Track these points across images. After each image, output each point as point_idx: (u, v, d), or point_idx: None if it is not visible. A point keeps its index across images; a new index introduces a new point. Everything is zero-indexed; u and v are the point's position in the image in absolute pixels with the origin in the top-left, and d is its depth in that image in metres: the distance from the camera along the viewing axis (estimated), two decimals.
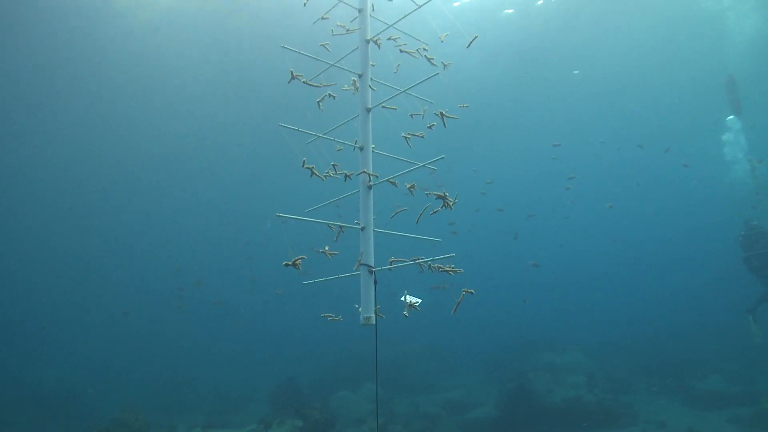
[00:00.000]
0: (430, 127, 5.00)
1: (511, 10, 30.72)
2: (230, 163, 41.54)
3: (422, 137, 5.09)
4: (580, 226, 58.93)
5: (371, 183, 4.80)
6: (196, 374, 33.37)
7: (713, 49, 35.41)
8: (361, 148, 4.94)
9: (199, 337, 45.93)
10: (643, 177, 53.35)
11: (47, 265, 46.29)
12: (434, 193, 4.33)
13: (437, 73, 4.70)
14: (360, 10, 5.25)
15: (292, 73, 4.86)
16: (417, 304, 4.54)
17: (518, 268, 51.34)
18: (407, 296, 4.48)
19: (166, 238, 47.96)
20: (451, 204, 4.33)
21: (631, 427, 20.53)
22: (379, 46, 5.21)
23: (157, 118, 34.75)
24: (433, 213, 4.50)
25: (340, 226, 4.91)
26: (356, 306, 4.68)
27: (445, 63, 5.36)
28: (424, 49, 5.19)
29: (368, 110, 5.01)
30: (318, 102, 5.31)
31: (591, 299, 56.52)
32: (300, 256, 4.22)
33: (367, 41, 5.16)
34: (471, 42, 4.97)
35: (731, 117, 36.76)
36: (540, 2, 30.38)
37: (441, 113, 4.75)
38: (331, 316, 5.02)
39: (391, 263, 4.73)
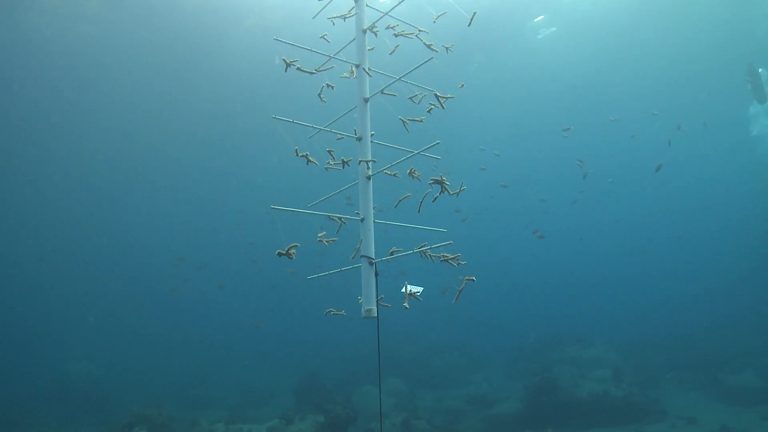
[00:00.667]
0: (429, 111, 4.89)
1: None
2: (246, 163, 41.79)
3: (422, 122, 4.98)
4: (606, 218, 57.89)
5: (370, 173, 4.68)
6: (219, 369, 33.79)
7: (736, 37, 34.24)
8: (360, 138, 4.82)
9: (223, 332, 46.47)
10: (675, 169, 52.14)
11: (73, 261, 47.26)
12: (432, 178, 4.17)
13: (432, 57, 4.65)
14: (356, 0, 5.22)
15: (285, 61, 4.78)
16: (418, 293, 4.38)
17: (542, 261, 50.63)
18: (407, 286, 4.33)
19: (190, 238, 48.55)
20: (449, 189, 4.18)
21: (661, 422, 20.04)
22: (376, 34, 5.19)
23: (157, 114, 34.70)
24: (434, 200, 4.35)
25: (340, 218, 4.79)
26: (358, 298, 4.56)
27: (447, 46, 5.21)
28: (419, 31, 5.14)
29: (366, 100, 4.96)
30: (319, 94, 5.31)
31: (617, 292, 55.43)
32: (293, 244, 4.10)
33: (364, 31, 5.13)
34: (471, 19, 4.79)
35: (756, 106, 35.63)
36: None
37: (436, 95, 4.61)
38: (334, 311, 4.92)
39: (391, 253, 4.60)
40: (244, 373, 32.98)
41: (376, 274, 4.55)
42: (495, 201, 36.94)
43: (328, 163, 5.05)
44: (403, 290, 4.31)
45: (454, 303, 4.34)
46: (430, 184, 4.30)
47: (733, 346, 27.98)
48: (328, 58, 5.16)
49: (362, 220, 4.68)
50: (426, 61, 4.54)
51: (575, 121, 36.78)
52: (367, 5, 5.20)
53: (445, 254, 4.37)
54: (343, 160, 4.85)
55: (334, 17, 5.34)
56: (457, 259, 4.29)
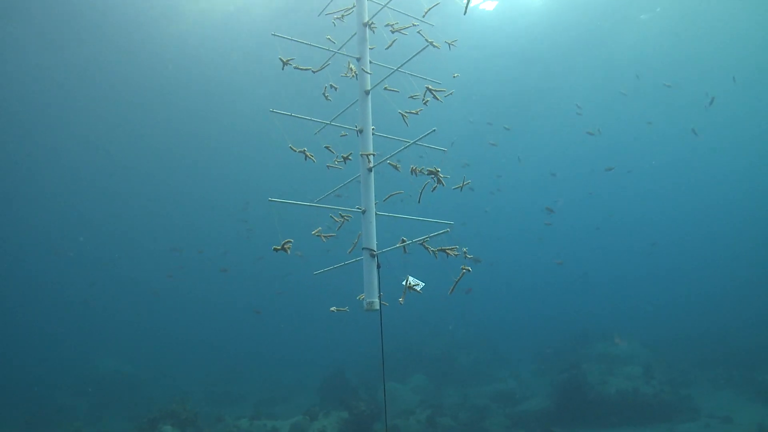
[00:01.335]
0: (425, 103, 4.83)
1: None
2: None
3: (417, 114, 5.03)
4: (635, 213, 56.70)
5: (371, 165, 4.59)
6: (245, 366, 34.16)
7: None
8: (361, 131, 4.76)
9: (249, 330, 47.00)
10: (706, 162, 50.89)
11: (102, 259, 48.30)
12: (426, 169, 4.08)
13: (426, 47, 4.67)
14: None
15: (282, 60, 4.76)
16: (418, 287, 4.27)
17: (569, 257, 49.84)
18: (409, 279, 4.22)
19: (214, 240, 49.15)
20: (442, 180, 4.10)
21: (693, 421, 19.42)
22: (374, 31, 5.21)
23: (160, 113, 34.93)
24: (433, 190, 4.26)
25: (341, 215, 4.72)
26: (358, 296, 4.48)
27: (450, 42, 5.14)
28: (414, 25, 5.12)
29: (367, 93, 4.96)
30: (323, 93, 5.33)
31: (646, 287, 54.20)
32: (288, 240, 4.04)
33: (364, 25, 5.14)
34: (466, 7, 4.72)
35: None
36: None
37: (427, 87, 4.57)
38: (337, 309, 4.87)
39: (403, 241, 4.51)
40: (269, 370, 33.28)
41: (378, 267, 4.46)
42: (523, 198, 36.47)
43: (334, 161, 5.08)
44: (404, 283, 4.22)
45: (450, 294, 4.21)
46: (420, 173, 4.22)
47: None
48: (328, 53, 5.23)
49: (364, 212, 4.60)
50: (421, 50, 4.51)
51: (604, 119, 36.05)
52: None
53: (450, 249, 4.26)
54: (344, 156, 4.80)
55: (335, 13, 5.31)
56: (454, 251, 4.16)
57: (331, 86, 5.25)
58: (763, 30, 34.04)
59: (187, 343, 41.83)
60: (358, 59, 5.03)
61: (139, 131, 36.16)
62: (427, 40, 4.95)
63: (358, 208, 4.64)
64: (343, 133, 5.12)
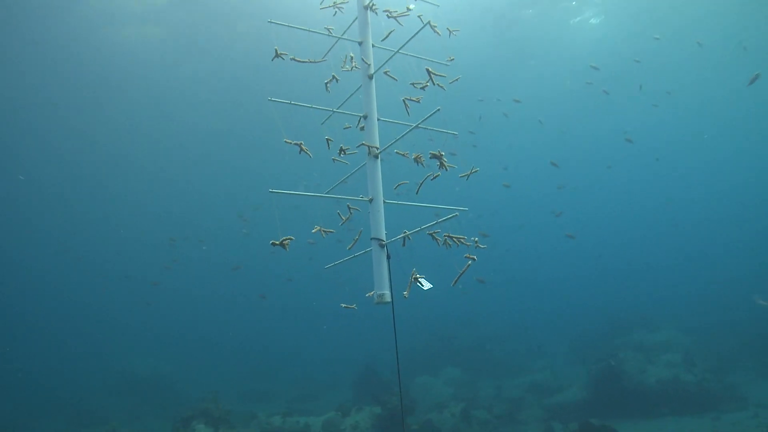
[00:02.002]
0: (423, 88, 4.66)
1: None
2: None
3: (418, 102, 4.80)
4: (673, 195, 55.05)
5: (377, 151, 4.35)
6: (278, 363, 34.39)
7: None
8: (365, 117, 4.55)
9: (282, 326, 47.37)
10: (745, 145, 49.09)
11: (138, 261, 49.23)
12: (430, 152, 3.83)
13: (421, 29, 4.46)
14: None
15: (276, 51, 4.58)
16: (421, 279, 4.03)
17: (603, 243, 48.75)
18: (415, 272, 3.98)
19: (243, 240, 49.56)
20: (447, 165, 3.85)
21: (741, 411, 18.60)
22: (376, 13, 5.04)
23: (159, 112, 34.99)
24: (434, 177, 4.02)
25: (349, 207, 4.51)
26: (367, 294, 4.26)
27: (451, 29, 4.91)
28: (409, 9, 4.91)
29: (370, 77, 4.79)
30: (326, 84, 5.17)
31: (684, 271, 52.48)
32: (287, 237, 3.86)
33: (365, 8, 4.98)
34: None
35: None
36: None
37: (428, 70, 4.33)
38: (346, 305, 4.68)
39: (405, 234, 4.27)
40: (302, 366, 33.43)
41: (388, 257, 4.23)
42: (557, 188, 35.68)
43: (339, 154, 4.85)
44: (412, 278, 3.98)
45: (453, 285, 3.96)
46: (422, 161, 3.99)
47: None
48: (327, 43, 5.01)
49: (371, 200, 4.37)
50: (418, 31, 4.30)
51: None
52: None
53: (460, 239, 4.02)
54: (342, 148, 4.58)
55: (333, 6, 5.14)
56: (462, 240, 3.91)
57: (334, 77, 5.09)
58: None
59: (221, 341, 42.38)
60: (360, 44, 4.86)
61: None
62: (431, 26, 4.72)
63: (362, 197, 4.42)
64: (346, 125, 4.93)
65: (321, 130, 4.73)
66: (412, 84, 4.75)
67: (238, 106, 35.27)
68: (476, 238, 3.94)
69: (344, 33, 4.94)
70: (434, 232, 4.06)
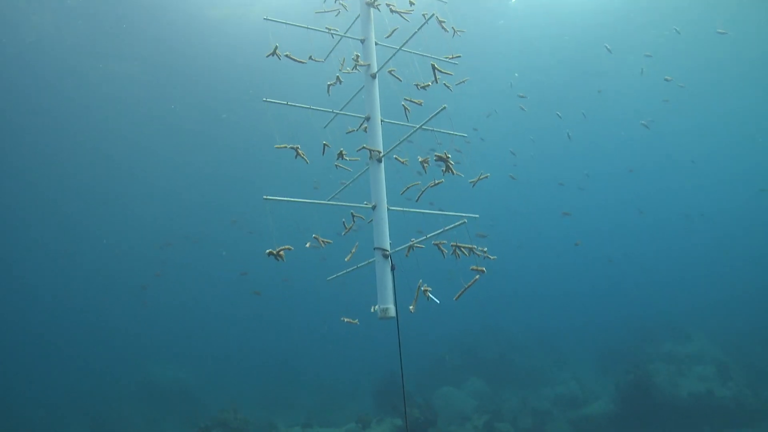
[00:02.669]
0: (424, 88, 4.37)
1: None
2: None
3: (420, 104, 4.60)
4: (703, 202, 53.62)
5: (381, 155, 4.08)
6: (298, 372, 34.10)
7: None
8: (368, 118, 4.28)
9: (303, 334, 47.19)
10: None
11: (157, 267, 49.62)
12: (435, 155, 3.54)
13: (426, 21, 4.25)
14: None
15: (275, 48, 4.37)
16: (429, 291, 3.74)
17: (632, 250, 47.61)
18: (421, 283, 3.69)
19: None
20: (453, 167, 3.57)
21: None
22: (379, 10, 4.90)
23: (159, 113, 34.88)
24: (435, 184, 3.77)
25: (353, 214, 4.25)
26: (372, 308, 3.97)
27: (456, 29, 4.67)
28: (412, 3, 4.73)
29: (373, 76, 4.56)
30: (328, 85, 5.01)
31: (717, 279, 50.82)
32: (284, 246, 3.60)
33: (368, 4, 4.79)
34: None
35: None
36: None
37: (433, 65, 4.12)
38: (348, 320, 4.43)
39: (411, 241, 3.98)
40: (322, 376, 33.13)
41: (393, 269, 3.93)
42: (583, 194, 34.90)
43: (337, 159, 4.64)
44: (422, 289, 3.69)
45: (456, 300, 3.64)
46: (435, 161, 3.70)
47: None
48: (327, 38, 4.80)
49: (374, 207, 4.08)
50: (423, 24, 4.06)
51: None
52: None
53: (462, 245, 3.72)
54: (341, 151, 4.32)
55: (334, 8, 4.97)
56: (473, 250, 3.60)
57: (338, 78, 4.91)
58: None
59: (241, 349, 42.38)
60: (362, 41, 4.65)
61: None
62: (439, 21, 4.46)
63: (366, 204, 4.14)
64: (349, 128, 4.68)
65: (322, 134, 4.50)
66: (416, 85, 4.50)
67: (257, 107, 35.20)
68: (485, 248, 3.63)
69: (347, 31, 4.70)
70: (440, 243, 3.77)
